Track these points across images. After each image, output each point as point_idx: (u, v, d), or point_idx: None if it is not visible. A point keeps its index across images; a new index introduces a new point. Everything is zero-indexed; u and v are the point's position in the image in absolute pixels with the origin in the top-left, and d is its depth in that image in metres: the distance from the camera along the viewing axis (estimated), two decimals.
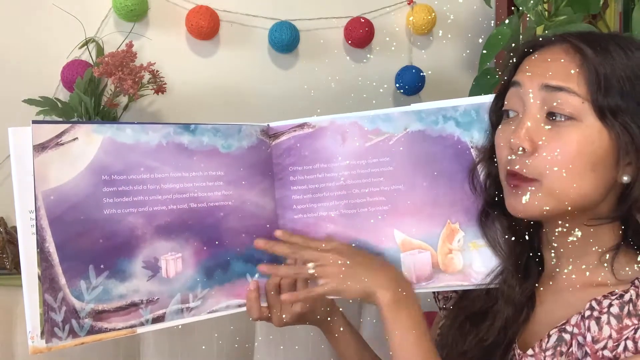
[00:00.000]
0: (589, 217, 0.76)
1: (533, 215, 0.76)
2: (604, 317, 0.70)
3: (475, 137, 0.88)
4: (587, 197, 0.74)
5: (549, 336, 0.75)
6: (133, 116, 1.72)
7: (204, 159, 0.87)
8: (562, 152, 0.72)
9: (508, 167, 0.77)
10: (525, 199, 0.75)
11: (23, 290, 0.76)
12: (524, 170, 0.75)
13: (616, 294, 0.71)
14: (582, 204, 0.74)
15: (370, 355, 1.00)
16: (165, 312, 0.84)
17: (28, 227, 0.78)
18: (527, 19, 1.47)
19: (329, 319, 0.95)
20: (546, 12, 1.45)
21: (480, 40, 1.60)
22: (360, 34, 1.79)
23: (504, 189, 0.80)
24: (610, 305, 0.71)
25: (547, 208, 0.74)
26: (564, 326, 0.74)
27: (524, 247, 0.84)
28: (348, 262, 0.83)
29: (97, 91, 1.59)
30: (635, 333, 0.68)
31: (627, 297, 0.71)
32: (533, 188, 0.74)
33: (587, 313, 0.72)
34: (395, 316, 0.80)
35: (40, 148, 0.77)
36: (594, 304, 0.72)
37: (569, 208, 0.74)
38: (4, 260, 1.55)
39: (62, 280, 0.77)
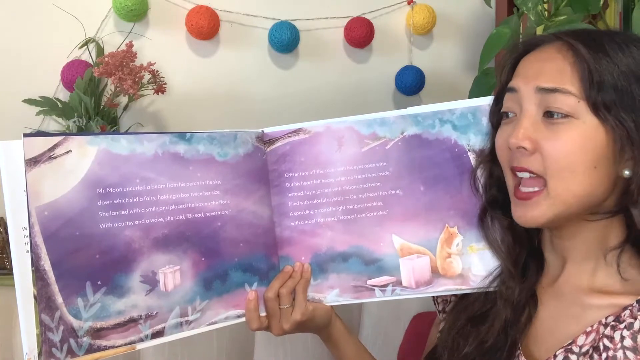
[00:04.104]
0: (592, 213, 0.76)
1: (542, 223, 0.76)
2: (620, 354, 0.71)
3: (472, 140, 0.88)
4: (592, 195, 0.74)
5: (555, 356, 0.75)
6: (133, 116, 1.72)
7: (201, 168, 0.85)
8: (562, 150, 0.72)
9: (513, 165, 0.77)
10: (533, 209, 0.75)
11: (19, 311, 0.74)
12: (529, 167, 0.74)
13: (624, 323, 0.72)
14: (588, 202, 0.74)
15: (369, 358, 1.00)
16: (164, 327, 0.82)
17: (22, 244, 0.75)
18: (528, 18, 1.47)
19: (328, 326, 0.94)
20: (546, 12, 1.45)
21: (480, 40, 1.60)
22: (360, 34, 1.79)
23: (511, 198, 0.79)
24: (622, 338, 0.71)
25: (556, 213, 0.74)
26: (570, 346, 0.74)
27: (523, 247, 0.84)
28: None
29: (97, 91, 1.60)
30: None
31: (636, 325, 0.71)
32: (540, 197, 0.74)
33: (602, 346, 0.72)
34: None
35: (32, 162, 0.74)
36: (606, 342, 0.72)
37: (576, 209, 0.74)
38: (4, 260, 1.56)
39: (59, 299, 0.75)
